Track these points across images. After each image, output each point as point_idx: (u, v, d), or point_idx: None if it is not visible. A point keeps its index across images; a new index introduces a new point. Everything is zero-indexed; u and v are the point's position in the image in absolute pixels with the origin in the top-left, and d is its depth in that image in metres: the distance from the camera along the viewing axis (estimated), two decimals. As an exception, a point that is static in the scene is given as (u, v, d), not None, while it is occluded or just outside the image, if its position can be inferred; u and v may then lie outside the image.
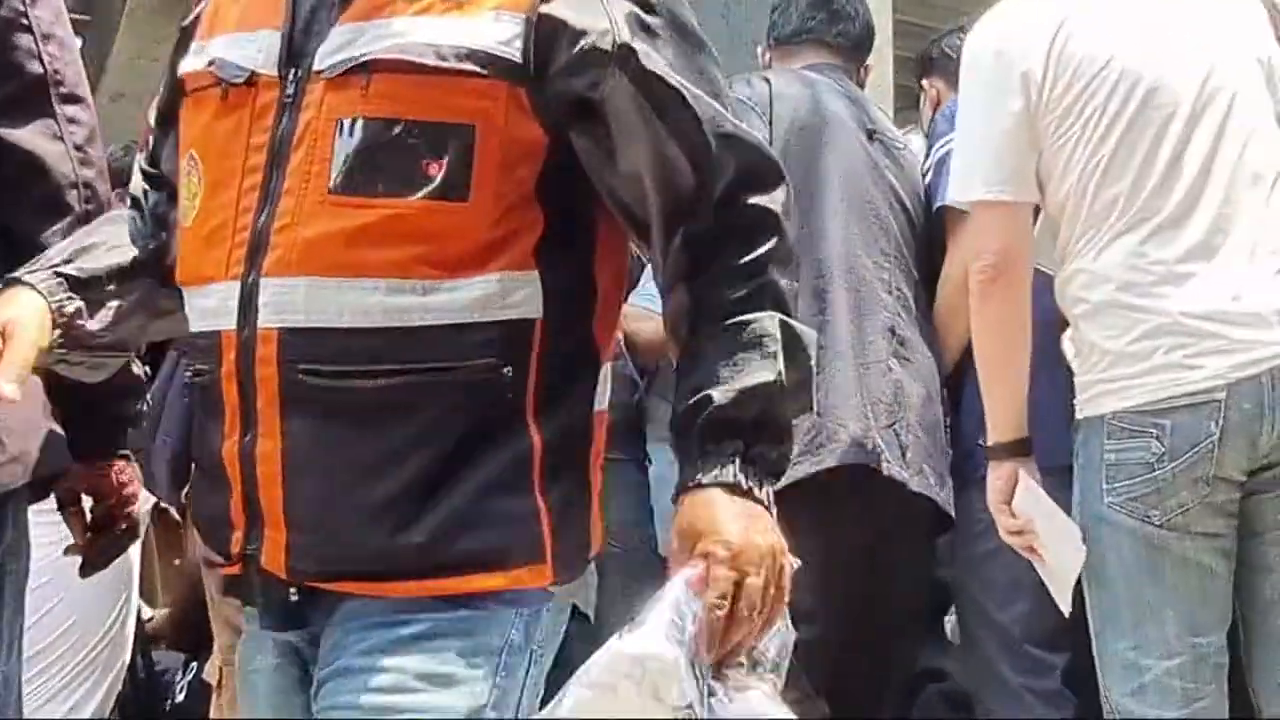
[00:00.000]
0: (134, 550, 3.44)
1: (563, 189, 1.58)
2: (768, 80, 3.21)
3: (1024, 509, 2.55)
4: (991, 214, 2.55)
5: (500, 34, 1.54)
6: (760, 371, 1.55)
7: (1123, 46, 2.47)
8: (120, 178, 4.90)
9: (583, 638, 3.25)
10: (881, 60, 3.69)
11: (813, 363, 1.63)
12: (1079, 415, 2.53)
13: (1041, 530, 2.55)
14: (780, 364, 1.56)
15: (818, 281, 3.06)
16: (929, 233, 3.25)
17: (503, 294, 1.56)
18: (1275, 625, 2.48)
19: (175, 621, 3.77)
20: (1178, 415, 2.41)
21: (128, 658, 3.48)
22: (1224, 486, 2.42)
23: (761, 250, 1.57)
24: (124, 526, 2.05)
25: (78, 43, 1.93)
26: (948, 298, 3.19)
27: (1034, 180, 2.53)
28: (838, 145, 3.15)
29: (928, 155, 3.35)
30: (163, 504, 3.44)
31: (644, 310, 3.40)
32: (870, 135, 3.20)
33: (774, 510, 1.62)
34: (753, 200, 1.58)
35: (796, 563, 1.59)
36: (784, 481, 2.95)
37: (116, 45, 8.72)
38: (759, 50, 3.51)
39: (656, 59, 1.56)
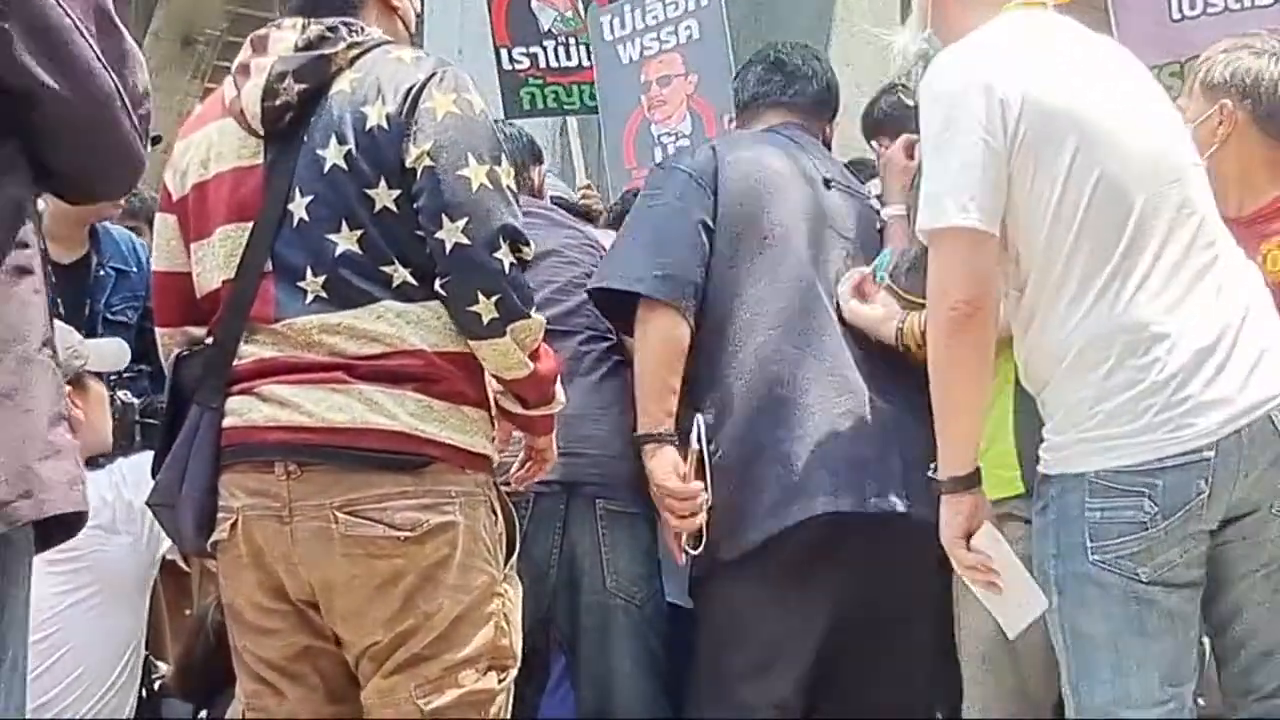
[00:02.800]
0: (144, 600, 3.46)
1: None
2: (713, 149, 3.28)
3: (984, 548, 2.54)
4: (964, 242, 2.45)
5: None
6: None
7: (1088, 119, 2.49)
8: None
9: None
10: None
11: None
12: (1050, 471, 2.53)
13: (999, 569, 2.54)
14: None
15: (769, 334, 3.11)
16: None
17: None
18: (1240, 667, 2.55)
19: (183, 671, 3.77)
20: (1170, 474, 2.42)
21: (133, 706, 3.47)
22: (1204, 537, 2.47)
23: None
24: None
25: None
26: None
27: (1001, 216, 2.47)
28: (790, 200, 3.20)
29: None
30: (169, 555, 3.44)
31: None
32: (827, 184, 3.25)
33: None
34: None
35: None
36: (753, 540, 3.00)
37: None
38: (724, 120, 3.57)
39: None
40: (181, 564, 3.68)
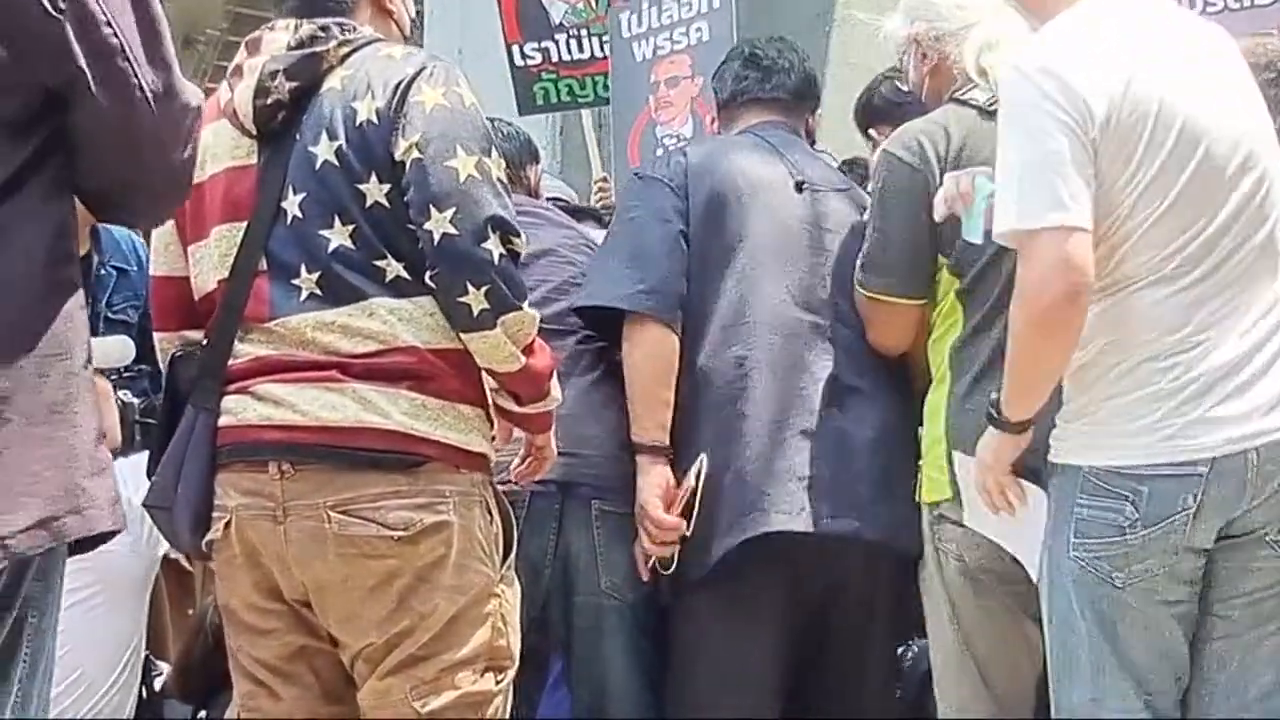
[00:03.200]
0: (144, 600, 3.45)
1: None
2: (685, 154, 3.27)
3: (1029, 496, 2.57)
4: (1060, 239, 2.33)
5: None
6: None
7: (1182, 107, 2.40)
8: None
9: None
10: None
11: None
12: (1056, 459, 2.51)
13: (1022, 515, 2.57)
14: None
15: (737, 348, 3.11)
16: None
17: None
18: (1205, 694, 2.48)
19: (182, 671, 3.76)
20: (1157, 483, 2.39)
21: (133, 706, 3.47)
22: (1191, 556, 2.42)
23: None
24: None
25: None
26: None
27: (1091, 209, 2.37)
28: (761, 206, 3.19)
29: None
30: (172, 554, 3.44)
31: None
32: (799, 187, 3.22)
33: None
34: None
35: None
36: (715, 556, 3.02)
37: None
38: (707, 120, 3.56)
39: None
40: (185, 563, 3.68)
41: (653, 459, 3.10)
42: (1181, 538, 2.39)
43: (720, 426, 3.08)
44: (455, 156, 2.48)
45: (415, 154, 2.47)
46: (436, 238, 2.46)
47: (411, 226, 2.49)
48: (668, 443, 3.11)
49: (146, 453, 2.77)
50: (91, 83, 1.77)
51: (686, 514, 3.04)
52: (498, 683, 2.58)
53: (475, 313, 2.48)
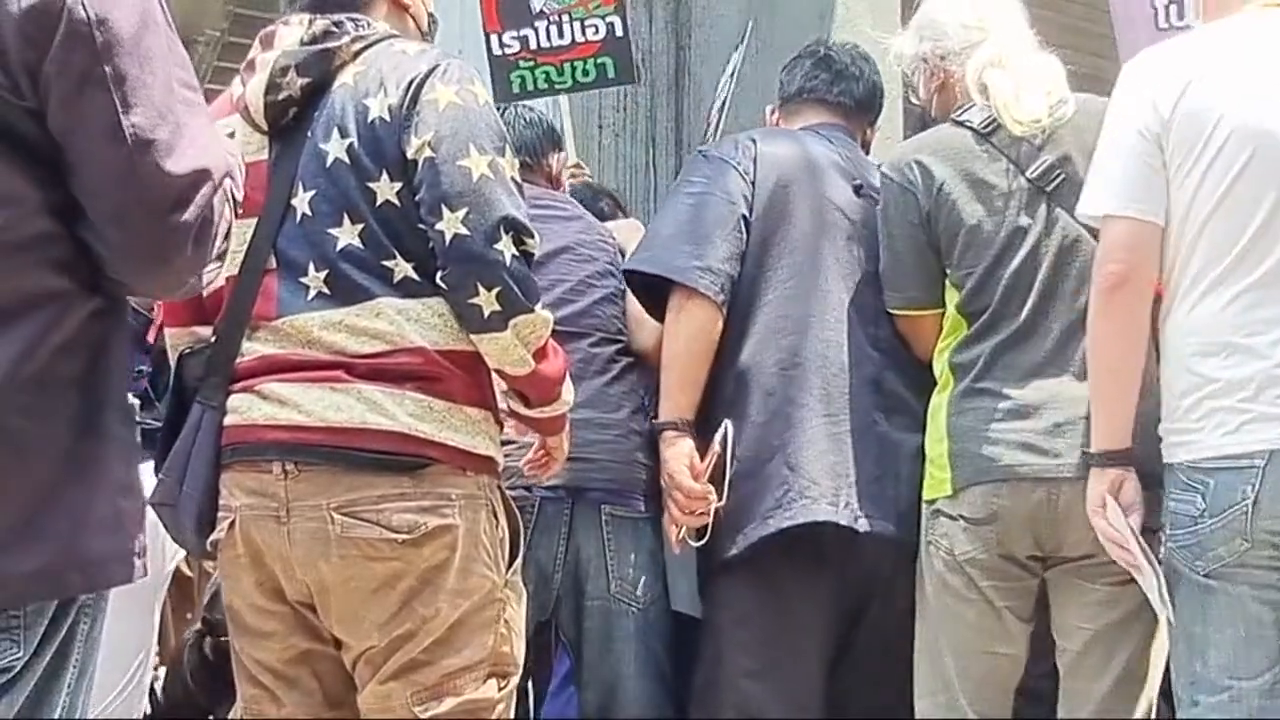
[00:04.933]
0: (155, 607, 3.44)
1: None
2: (754, 140, 3.27)
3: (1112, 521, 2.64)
4: (1118, 226, 2.60)
5: None
6: None
7: (1238, 106, 2.53)
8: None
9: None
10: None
11: None
12: (1164, 460, 2.62)
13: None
14: None
15: (791, 338, 3.12)
16: None
17: None
18: None
19: (183, 674, 3.76)
20: (1221, 475, 2.49)
21: (142, 712, 3.47)
22: (1263, 546, 2.48)
23: None
24: None
25: None
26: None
27: (1163, 203, 2.58)
28: (819, 202, 3.20)
29: None
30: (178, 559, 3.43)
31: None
32: (858, 190, 3.23)
33: None
34: None
35: None
36: (756, 535, 3.01)
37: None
38: (767, 110, 3.55)
39: None
40: (184, 568, 3.67)
41: (678, 433, 3.10)
42: (1243, 527, 2.48)
43: (771, 412, 3.09)
44: (468, 156, 2.46)
45: (428, 153, 2.45)
46: (448, 238, 2.44)
47: (422, 226, 2.47)
48: (691, 419, 3.11)
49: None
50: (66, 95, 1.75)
51: (715, 482, 3.03)
52: (500, 689, 2.55)
53: (486, 314, 2.46)
